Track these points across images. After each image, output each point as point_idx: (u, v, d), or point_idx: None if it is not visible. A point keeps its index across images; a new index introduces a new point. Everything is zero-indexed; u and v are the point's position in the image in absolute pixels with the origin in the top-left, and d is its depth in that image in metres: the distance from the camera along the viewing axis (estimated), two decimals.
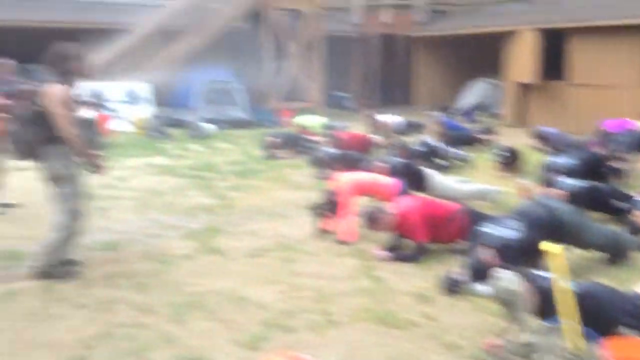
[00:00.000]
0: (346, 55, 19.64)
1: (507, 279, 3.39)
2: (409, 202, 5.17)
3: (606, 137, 10.69)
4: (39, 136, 4.26)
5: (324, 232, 5.77)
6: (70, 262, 4.54)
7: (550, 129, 10.99)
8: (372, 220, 5.07)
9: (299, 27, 17.21)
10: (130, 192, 7.43)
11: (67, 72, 4.33)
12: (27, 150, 4.34)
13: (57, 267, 4.42)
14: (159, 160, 9.89)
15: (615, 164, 7.64)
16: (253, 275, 4.66)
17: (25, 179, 6.38)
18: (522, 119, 15.23)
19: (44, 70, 4.42)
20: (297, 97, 17.23)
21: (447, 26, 18.72)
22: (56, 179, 4.34)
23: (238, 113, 14.93)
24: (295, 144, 10.58)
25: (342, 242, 5.50)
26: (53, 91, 4.22)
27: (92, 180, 4.82)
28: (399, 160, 7.41)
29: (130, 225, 5.99)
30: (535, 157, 9.22)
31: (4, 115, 5.56)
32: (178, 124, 13.99)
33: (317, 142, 10.59)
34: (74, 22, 15.57)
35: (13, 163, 6.20)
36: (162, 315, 3.84)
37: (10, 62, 6.60)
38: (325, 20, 17.63)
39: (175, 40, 15.57)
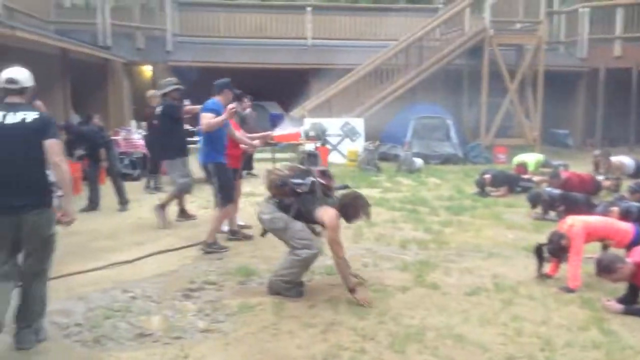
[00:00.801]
0: (567, 91, 18.46)
1: None
2: None
3: None
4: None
5: (546, 277, 5.41)
6: (300, 284, 4.88)
7: None
8: (607, 268, 4.62)
9: (519, 62, 16.66)
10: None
11: None
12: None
13: (291, 287, 4.77)
14: (372, 192, 10.22)
15: None
16: (471, 314, 4.52)
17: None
18: None
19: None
20: (513, 133, 16.62)
21: None
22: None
23: (449, 149, 14.86)
24: (510, 182, 10.17)
25: (568, 290, 5.09)
26: None
27: None
28: (634, 204, 6.69)
29: (347, 254, 6.24)
30: None
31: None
32: (389, 157, 14.40)
33: (534, 181, 10.06)
34: (303, 64, 17.16)
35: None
36: (382, 344, 3.92)
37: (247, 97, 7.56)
38: (547, 54, 16.83)
39: (393, 79, 16.16)
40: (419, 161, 13.27)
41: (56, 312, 4.29)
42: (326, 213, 4.63)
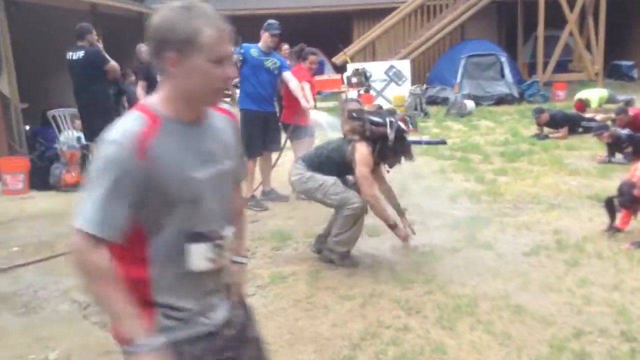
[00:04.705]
0: (630, 18, 16.91)
1: None
2: None
3: None
4: None
5: (616, 231, 4.80)
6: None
7: None
8: None
9: None
10: (390, 174, 7.23)
11: None
12: None
13: (345, 256, 4.33)
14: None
15: None
16: (531, 279, 4.00)
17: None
18: None
19: None
20: (573, 68, 15.41)
21: None
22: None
23: (503, 88, 13.88)
24: (571, 121, 9.34)
25: None
26: None
27: None
28: None
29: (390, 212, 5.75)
30: None
31: None
32: (438, 101, 13.62)
33: (599, 120, 9.19)
34: (344, 5, 16.28)
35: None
36: (429, 319, 3.47)
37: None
38: None
39: (441, 15, 15.15)
40: (470, 103, 12.45)
41: (77, 288, 4.02)
42: (358, 150, 4.18)
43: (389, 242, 4.73)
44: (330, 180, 4.23)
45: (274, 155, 6.47)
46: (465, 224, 5.23)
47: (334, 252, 4.31)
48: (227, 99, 6.41)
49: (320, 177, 4.24)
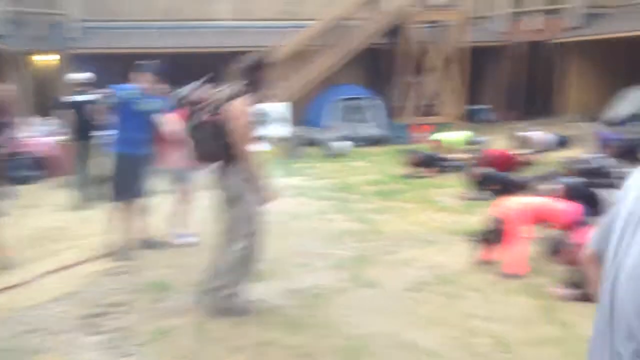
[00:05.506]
0: (488, 66, 18.60)
1: None
2: None
3: None
4: (218, 151, 3.92)
5: (486, 263, 5.10)
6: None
7: None
8: (556, 251, 4.33)
9: (441, 38, 16.52)
10: (269, 215, 7.15)
11: (254, 83, 3.92)
12: (211, 157, 4.01)
13: (232, 303, 4.06)
14: (297, 181, 9.68)
15: None
16: (418, 315, 4.10)
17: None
18: None
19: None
20: (437, 112, 16.54)
21: (602, 29, 16.91)
22: (232, 200, 3.96)
23: (372, 130, 14.53)
24: (439, 161, 9.96)
25: (510, 276, 4.80)
26: (236, 105, 3.83)
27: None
28: (574, 180, 6.51)
29: (274, 254, 5.65)
30: None
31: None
32: (313, 142, 13.90)
33: (460, 160, 9.88)
34: (218, 47, 16.23)
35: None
36: None
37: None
38: (468, 30, 16.80)
39: (314, 60, 15.63)
40: (345, 144, 12.87)
41: None
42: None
43: (277, 286, 4.64)
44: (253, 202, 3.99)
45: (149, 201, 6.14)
46: (350, 263, 5.28)
47: (219, 300, 4.07)
48: None
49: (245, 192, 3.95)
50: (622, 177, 6.09)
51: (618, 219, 1.38)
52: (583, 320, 3.96)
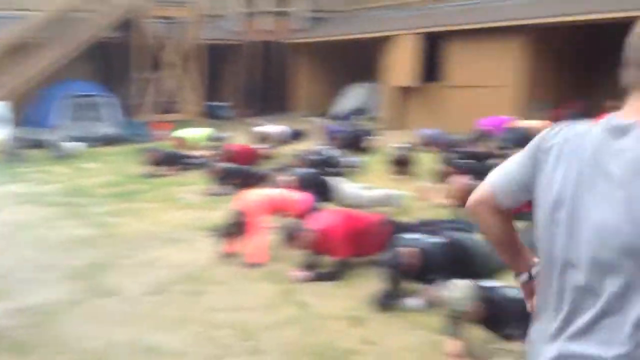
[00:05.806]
0: (225, 64, 18.96)
1: (460, 288, 3.17)
2: (330, 218, 4.75)
3: (483, 135, 11.17)
4: None
5: (230, 256, 5.18)
6: None
7: (432, 131, 11.19)
8: (291, 238, 4.58)
9: (178, 35, 16.24)
10: None
11: None
12: None
13: None
14: (20, 187, 8.61)
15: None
16: (160, 317, 3.96)
17: None
18: (400, 121, 15.47)
19: None
20: (174, 109, 16.28)
21: (326, 32, 18.60)
22: None
23: (106, 129, 13.67)
24: (179, 159, 9.82)
25: (253, 265, 4.96)
26: None
27: None
28: (306, 171, 6.97)
29: None
30: (424, 159, 9.23)
31: None
32: (38, 144, 12.50)
33: (202, 157, 9.89)
34: None
35: None
36: None
37: None
38: (203, 28, 16.81)
39: (37, 54, 14.05)
40: (75, 145, 11.84)
41: None
42: None
43: (0, 306, 4.05)
44: None
45: None
46: (85, 272, 4.87)
47: None
48: None
49: None
50: (349, 166, 6.85)
51: (554, 173, 1.25)
52: (318, 299, 4.29)
